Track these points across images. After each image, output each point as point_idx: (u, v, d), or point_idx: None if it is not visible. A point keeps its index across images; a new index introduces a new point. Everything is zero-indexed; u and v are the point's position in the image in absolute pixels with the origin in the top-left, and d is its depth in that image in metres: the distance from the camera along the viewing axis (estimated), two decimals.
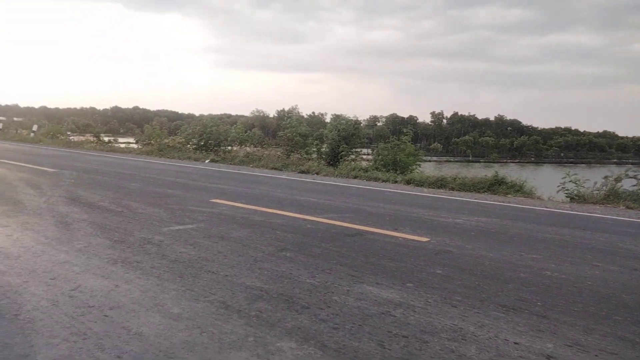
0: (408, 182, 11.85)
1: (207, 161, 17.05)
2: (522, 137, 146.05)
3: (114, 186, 9.06)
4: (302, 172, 13.91)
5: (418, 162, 15.37)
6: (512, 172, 13.17)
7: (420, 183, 11.57)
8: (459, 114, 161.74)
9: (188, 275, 3.84)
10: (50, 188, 8.15)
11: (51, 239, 4.80)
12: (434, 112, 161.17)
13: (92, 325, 2.86)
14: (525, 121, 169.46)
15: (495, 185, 10.90)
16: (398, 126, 70.79)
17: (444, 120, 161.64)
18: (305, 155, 17.26)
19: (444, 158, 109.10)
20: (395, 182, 12.04)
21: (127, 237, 5.01)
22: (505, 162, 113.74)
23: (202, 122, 21.53)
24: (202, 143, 20.43)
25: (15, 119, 45.80)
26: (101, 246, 4.59)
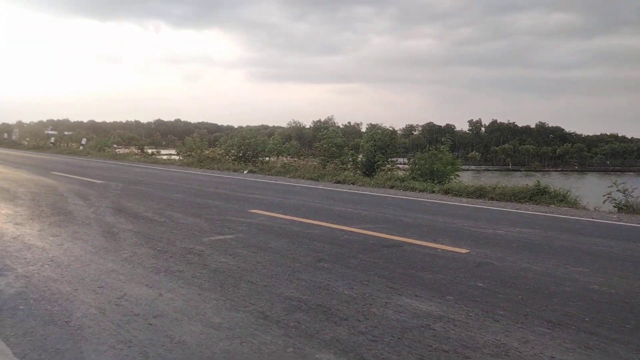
0: (446, 192, 11.65)
1: (245, 172, 17.35)
2: (565, 144, 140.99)
3: (157, 197, 9.35)
4: (338, 182, 13.93)
5: (456, 172, 15.09)
6: (554, 181, 12.75)
7: (458, 193, 11.36)
8: (498, 121, 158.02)
9: (228, 285, 3.91)
10: (97, 199, 8.50)
11: (99, 248, 5.00)
12: (471, 120, 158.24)
13: (137, 333, 2.96)
14: (569, 128, 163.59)
15: (538, 195, 10.56)
16: (435, 135, 69.83)
17: (482, 129, 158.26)
18: (341, 166, 17.28)
19: (483, 167, 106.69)
20: (433, 192, 11.87)
21: (169, 247, 5.16)
22: (547, 170, 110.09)
23: (241, 134, 21.98)
24: (241, 154, 20.82)
25: (66, 132, 48.26)
26: (145, 256, 4.74)
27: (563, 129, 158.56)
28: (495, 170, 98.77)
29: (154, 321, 3.14)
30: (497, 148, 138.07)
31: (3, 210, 7.12)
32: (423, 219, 7.55)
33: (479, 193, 11.15)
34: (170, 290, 3.74)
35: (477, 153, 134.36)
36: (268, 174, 16.60)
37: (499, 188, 11.17)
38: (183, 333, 2.98)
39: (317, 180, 14.54)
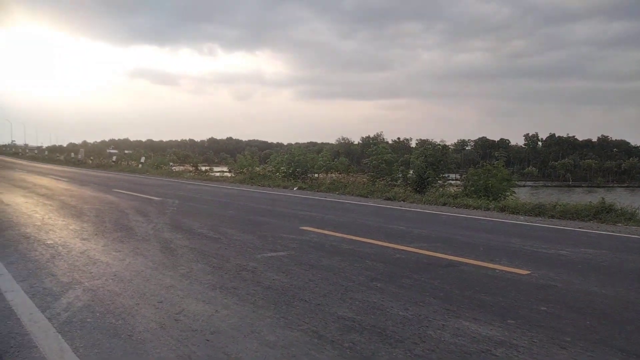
0: (502, 210, 11.23)
1: (295, 188, 17.53)
2: (631, 158, 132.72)
3: (211, 214, 9.62)
4: (388, 199, 13.78)
5: (512, 188, 14.54)
6: (620, 197, 12.01)
7: (515, 210, 10.93)
8: (556, 135, 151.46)
9: (282, 303, 3.93)
10: (156, 215, 8.86)
11: (158, 264, 5.18)
12: (527, 134, 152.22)
13: (195, 349, 3.02)
14: (635, 141, 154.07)
15: (602, 213, 9.96)
16: (488, 150, 67.64)
17: (539, 143, 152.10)
18: (391, 182, 17.11)
19: (540, 183, 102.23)
20: (488, 209, 11.48)
21: (224, 263, 5.27)
22: (612, 186, 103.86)
23: (290, 151, 22.31)
24: (290, 171, 21.10)
25: (126, 151, 51.06)
26: (201, 272, 4.87)
27: (628, 143, 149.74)
28: (555, 186, 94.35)
29: (211, 337, 3.20)
30: (556, 163, 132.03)
31: (71, 226, 7.56)
32: (479, 238, 7.30)
33: (538, 210, 10.67)
34: (225, 307, 3.80)
35: (534, 168, 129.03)
36: (317, 191, 16.69)
37: (560, 205, 10.64)
38: (239, 350, 3.02)
39: (367, 197, 14.45)
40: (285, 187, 18.03)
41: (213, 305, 3.84)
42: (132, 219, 8.36)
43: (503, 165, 14.95)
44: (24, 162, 40.59)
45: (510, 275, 4.96)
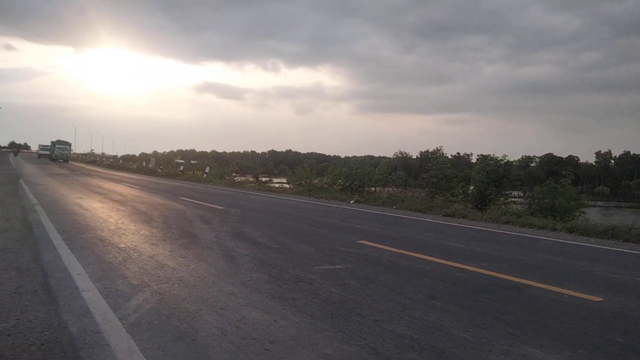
0: (570, 231, 10.63)
1: (352, 202, 17.53)
2: None
3: (271, 224, 9.83)
4: (447, 215, 13.43)
5: (581, 208, 13.70)
6: None
7: (585, 232, 10.30)
8: (632, 153, 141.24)
9: (339, 317, 3.94)
10: (219, 224, 9.18)
11: (220, 271, 5.37)
12: (599, 151, 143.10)
13: (254, 357, 3.10)
14: None
15: None
16: (555, 167, 64.00)
17: (612, 161, 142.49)
18: (450, 198, 16.68)
19: (612, 203, 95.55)
20: (554, 229, 10.90)
21: (283, 273, 5.36)
22: None
23: (348, 164, 22.35)
24: (348, 184, 21.11)
25: (192, 161, 53.38)
26: (261, 281, 4.98)
27: None
28: (629, 207, 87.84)
29: (270, 347, 3.27)
30: (631, 182, 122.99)
31: (142, 231, 8.00)
32: (545, 260, 6.95)
33: (611, 233, 10.00)
34: (284, 317, 3.87)
35: (605, 188, 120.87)
36: (374, 205, 16.58)
37: (636, 229, 9.91)
38: None
39: (425, 212, 14.17)
40: (342, 200, 18.07)
41: (272, 315, 3.91)
42: (197, 227, 8.71)
43: (570, 184, 14.11)
44: (101, 170, 43.40)
45: (580, 302, 4.68)
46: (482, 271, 5.81)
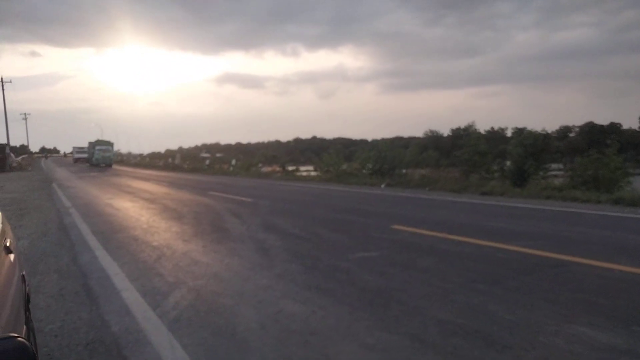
0: (616, 202, 10.14)
1: (383, 186, 17.31)
2: None
3: (301, 214, 9.78)
4: (484, 193, 13.06)
5: (627, 177, 13.03)
6: None
7: (632, 202, 9.80)
8: None
9: (378, 305, 3.83)
10: (249, 217, 9.18)
11: (254, 264, 5.33)
12: None
13: (296, 349, 3.03)
14: None
15: None
16: (596, 136, 61.36)
17: None
18: (486, 175, 16.22)
19: None
20: (599, 202, 10.43)
21: (317, 263, 5.28)
22: None
23: (377, 147, 22.06)
24: (377, 168, 20.85)
25: (217, 154, 53.96)
26: (296, 272, 4.92)
27: None
28: None
29: (310, 338, 3.20)
30: None
31: (173, 228, 8.07)
32: (591, 235, 6.64)
33: None
34: (322, 308, 3.79)
35: None
36: (406, 188, 16.32)
37: None
38: (339, 352, 2.98)
39: (460, 192, 13.82)
40: (372, 185, 17.86)
41: (310, 306, 3.84)
42: (227, 221, 8.74)
43: (615, 153, 13.41)
44: (128, 169, 44.32)
45: (631, 277, 4.42)
46: (526, 250, 5.57)
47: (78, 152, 61.78)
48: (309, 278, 4.67)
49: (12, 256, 2.02)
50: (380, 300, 3.94)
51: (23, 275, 2.31)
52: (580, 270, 4.69)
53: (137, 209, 10.97)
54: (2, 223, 2.19)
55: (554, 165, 18.30)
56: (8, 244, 2.04)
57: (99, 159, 48.49)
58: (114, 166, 50.04)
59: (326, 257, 5.56)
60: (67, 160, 76.96)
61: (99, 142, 51.54)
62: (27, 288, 2.54)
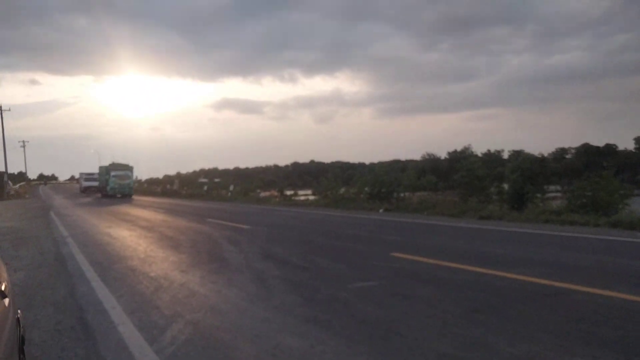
0: (614, 225, 10.14)
1: (381, 210, 17.30)
2: None
3: (299, 241, 9.75)
4: (482, 218, 13.06)
5: (625, 200, 13.02)
6: None
7: (631, 225, 9.81)
8: None
9: (377, 338, 3.79)
10: (247, 245, 9.14)
11: (252, 295, 5.29)
12: (638, 137, 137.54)
13: None
14: None
15: None
16: (592, 157, 61.80)
17: None
18: (484, 199, 16.21)
19: None
20: (597, 225, 10.44)
21: (315, 294, 5.24)
22: None
23: (374, 172, 22.11)
24: (375, 192, 20.84)
25: (215, 180, 53.78)
26: (294, 304, 4.87)
27: None
28: None
29: None
30: None
31: (171, 257, 8.03)
32: (590, 260, 6.62)
33: None
34: (320, 342, 3.75)
35: None
36: (404, 212, 16.32)
37: None
38: None
39: (458, 216, 13.82)
40: (370, 210, 17.86)
41: (308, 340, 3.80)
42: (225, 249, 8.69)
43: (612, 176, 13.40)
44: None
45: (632, 305, 4.40)
46: (524, 278, 5.54)
47: (87, 179, 50.76)
48: (307, 310, 4.63)
49: (6, 301, 2.01)
50: (379, 333, 3.90)
51: (18, 318, 2.29)
52: (580, 298, 4.66)
53: (135, 238, 10.92)
54: None
55: (552, 187, 18.33)
56: (3, 288, 2.03)
57: (115, 187, 38.44)
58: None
59: (324, 287, 5.52)
60: (67, 188, 76.27)
61: (114, 166, 40.31)
62: (22, 329, 2.51)
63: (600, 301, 4.54)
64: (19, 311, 2.44)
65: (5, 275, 2.29)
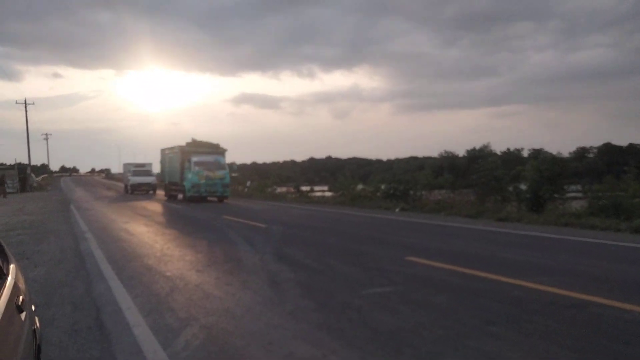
0: (636, 231, 9.91)
1: (397, 210, 17.19)
2: None
3: (314, 242, 9.75)
4: (500, 219, 12.88)
5: None
6: None
7: None
8: None
9: (389, 349, 3.76)
10: (262, 244, 9.17)
11: (266, 299, 5.30)
12: None
13: None
14: None
15: None
16: (614, 157, 60.51)
17: None
18: (502, 200, 15.97)
19: None
20: (618, 230, 10.20)
21: (329, 299, 5.23)
22: None
23: (392, 171, 21.97)
24: (391, 192, 20.72)
25: (233, 174, 54.05)
26: (308, 309, 4.87)
27: None
28: None
29: None
30: None
31: (187, 257, 8.10)
32: (610, 270, 6.47)
33: None
34: (333, 352, 3.73)
35: None
36: (421, 212, 16.19)
37: None
38: None
39: (475, 217, 13.66)
40: (387, 209, 17.76)
41: (320, 349, 3.79)
42: (240, 249, 8.74)
43: (634, 179, 13.07)
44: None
45: None
46: (542, 287, 5.44)
47: (137, 173, 34.57)
48: (320, 316, 4.62)
49: (23, 315, 2.04)
50: (392, 344, 3.87)
51: (34, 329, 2.33)
52: (599, 312, 4.55)
53: (152, 235, 11.05)
54: (16, 277, 2.22)
55: (572, 187, 17.97)
56: (20, 302, 2.06)
57: (201, 185, 22.67)
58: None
59: (338, 292, 5.50)
60: (87, 181, 77.05)
61: (194, 147, 25.01)
62: (39, 339, 2.55)
63: (620, 315, 4.42)
64: (36, 321, 2.48)
65: (23, 286, 2.32)
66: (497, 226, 11.76)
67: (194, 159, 23.14)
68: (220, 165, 23.76)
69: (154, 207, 20.60)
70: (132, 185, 34.10)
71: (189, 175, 22.74)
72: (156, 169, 35.42)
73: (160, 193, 32.24)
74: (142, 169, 36.22)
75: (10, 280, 2.09)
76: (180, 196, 24.70)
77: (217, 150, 25.71)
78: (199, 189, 22.49)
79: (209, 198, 23.62)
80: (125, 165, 40.19)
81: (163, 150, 28.87)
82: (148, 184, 33.91)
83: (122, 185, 41.86)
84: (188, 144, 25.29)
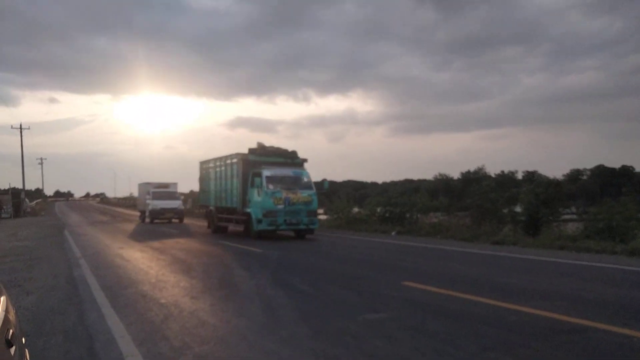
0: (631, 253, 9.91)
1: (393, 233, 17.16)
2: None
3: (310, 267, 9.68)
4: (496, 243, 12.87)
5: None
6: None
7: None
8: None
9: None
10: (258, 270, 9.10)
11: (261, 326, 5.23)
12: None
13: None
14: None
15: None
16: (608, 179, 61.09)
17: None
18: (497, 222, 15.99)
19: None
20: (614, 252, 10.21)
21: (325, 325, 5.17)
22: None
23: (387, 194, 22.02)
24: (387, 215, 20.72)
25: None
26: (303, 336, 4.81)
27: None
28: None
29: None
30: None
31: (182, 282, 8.02)
32: (607, 294, 6.45)
33: None
34: None
35: None
36: (417, 235, 16.17)
37: None
38: None
39: (471, 241, 13.64)
40: (383, 232, 17.73)
41: None
42: (236, 274, 8.66)
43: (632, 202, 13.12)
44: (137, 213, 44.46)
45: None
46: (539, 312, 5.41)
47: (158, 197, 27.25)
48: (316, 343, 4.56)
49: (12, 349, 2.01)
50: None
51: None
52: (597, 337, 4.52)
53: (147, 260, 10.95)
54: (6, 310, 2.19)
55: (567, 210, 18.04)
56: (10, 336, 2.03)
57: (280, 213, 15.28)
58: (122, 210, 38.80)
59: (334, 318, 5.45)
60: (82, 205, 76.40)
61: (266, 160, 16.70)
62: None
63: (618, 340, 4.39)
64: (27, 354, 2.44)
65: (13, 319, 2.29)
66: (493, 249, 11.75)
67: (266, 172, 15.41)
68: (304, 183, 15.94)
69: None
70: (153, 212, 26.39)
71: (259, 198, 15.24)
72: (182, 188, 29.19)
73: (193, 222, 26.08)
74: (165, 191, 27.79)
75: (0, 313, 2.06)
76: (232, 227, 17.79)
77: (293, 159, 17.15)
78: (276, 218, 15.13)
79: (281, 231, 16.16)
80: (141, 186, 30.46)
81: (205, 163, 20.51)
82: (173, 210, 26.57)
83: (118, 210, 38.86)
84: (251, 151, 16.79)
